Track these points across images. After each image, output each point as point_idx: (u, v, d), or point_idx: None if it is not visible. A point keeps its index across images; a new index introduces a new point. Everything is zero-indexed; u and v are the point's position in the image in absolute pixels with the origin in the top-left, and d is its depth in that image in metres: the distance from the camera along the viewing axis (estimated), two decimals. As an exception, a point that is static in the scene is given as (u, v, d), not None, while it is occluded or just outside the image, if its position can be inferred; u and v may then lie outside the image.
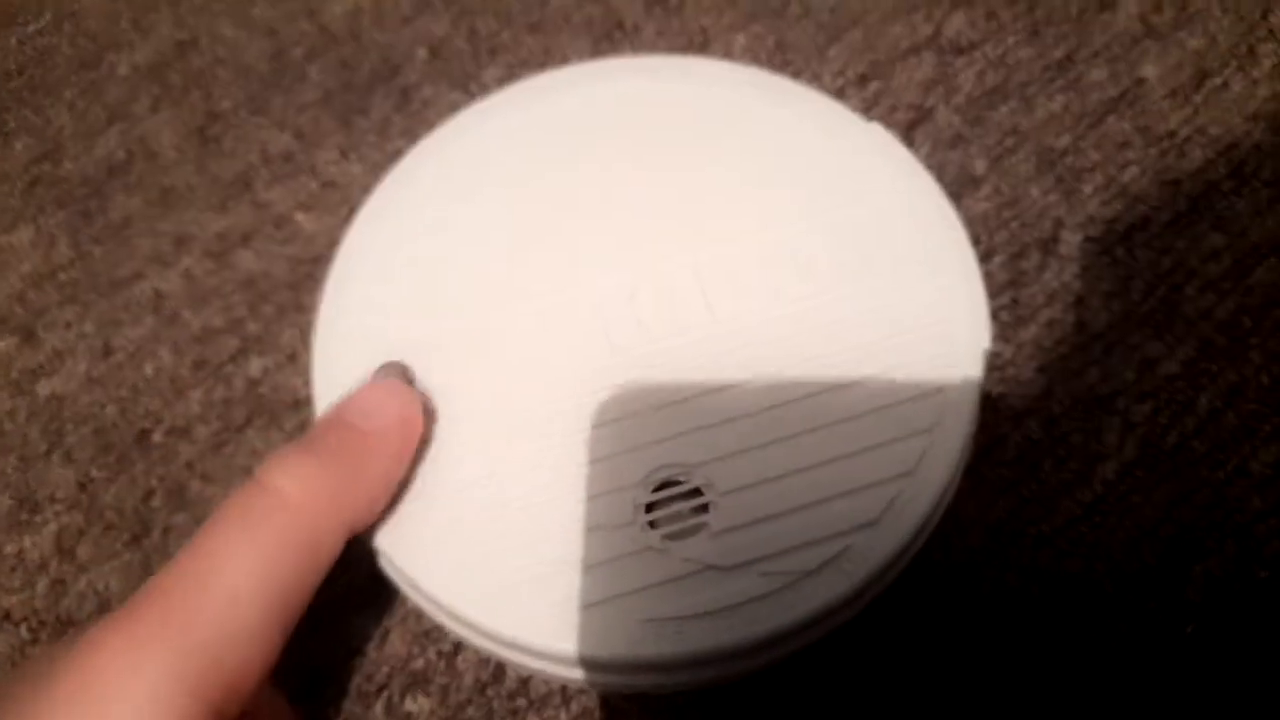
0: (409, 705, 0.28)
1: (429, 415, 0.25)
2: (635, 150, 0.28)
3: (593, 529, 0.24)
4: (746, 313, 0.26)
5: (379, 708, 0.29)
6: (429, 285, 0.27)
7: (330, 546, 0.21)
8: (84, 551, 0.31)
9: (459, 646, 0.29)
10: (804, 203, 0.27)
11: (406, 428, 0.24)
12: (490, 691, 0.28)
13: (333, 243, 0.28)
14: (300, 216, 0.36)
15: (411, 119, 0.37)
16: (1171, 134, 0.35)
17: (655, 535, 0.24)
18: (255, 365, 0.33)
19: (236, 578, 0.19)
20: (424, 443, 0.25)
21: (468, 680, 0.29)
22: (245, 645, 0.19)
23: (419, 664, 0.29)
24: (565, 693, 0.28)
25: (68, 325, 0.34)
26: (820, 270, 0.27)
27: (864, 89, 0.37)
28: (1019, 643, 0.28)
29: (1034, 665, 0.28)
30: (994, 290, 0.33)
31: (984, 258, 0.33)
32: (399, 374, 0.25)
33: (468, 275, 0.27)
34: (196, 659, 0.18)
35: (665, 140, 0.29)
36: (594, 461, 0.25)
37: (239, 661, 0.19)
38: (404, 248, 0.28)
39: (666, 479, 0.25)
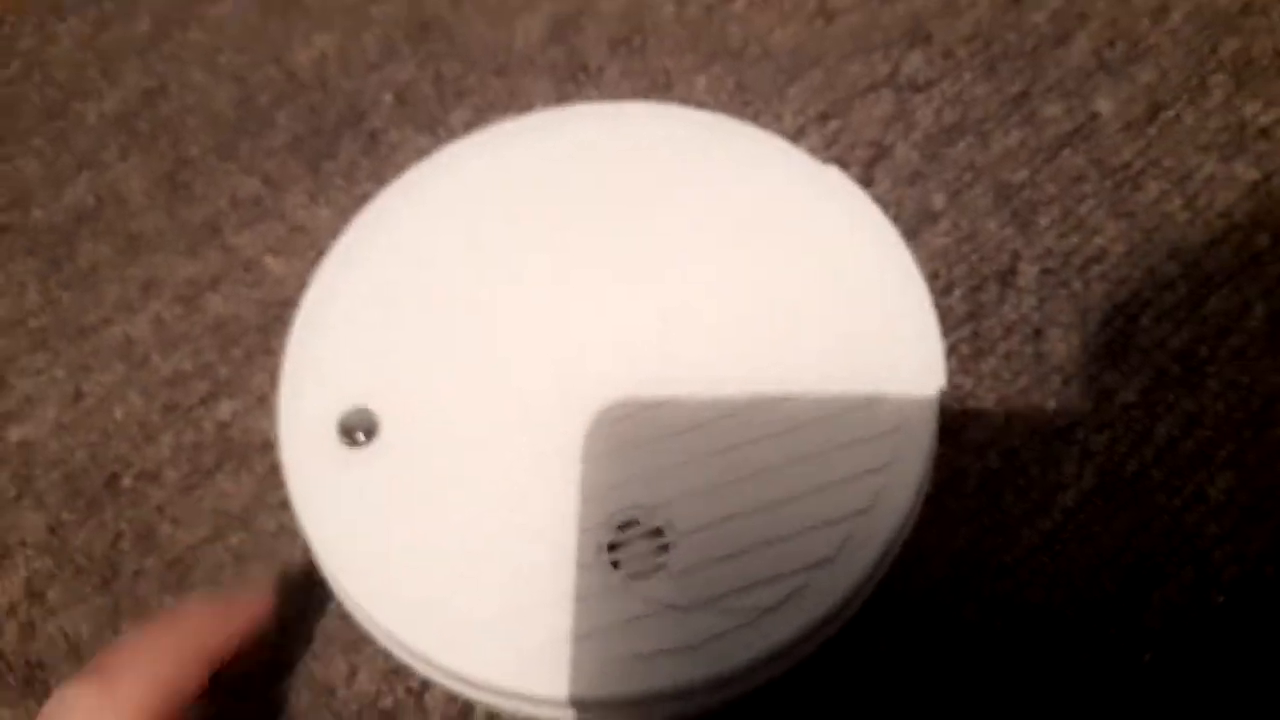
0: (377, 746, 0.29)
1: None
2: (597, 195, 0.29)
3: (556, 570, 0.24)
4: (705, 355, 0.27)
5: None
6: (394, 329, 0.27)
7: None
8: (54, 595, 0.31)
9: (427, 684, 0.29)
10: (762, 246, 0.28)
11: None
12: (458, 731, 0.29)
13: (301, 286, 0.28)
14: (269, 260, 0.36)
15: (379, 163, 0.37)
16: (1126, 166, 0.36)
17: (618, 575, 0.24)
18: (225, 408, 0.34)
19: None
20: (388, 480, 0.25)
21: (436, 718, 0.29)
22: None
23: (388, 702, 0.29)
24: (532, 731, 0.28)
25: (38, 371, 0.35)
26: (778, 313, 0.27)
27: (824, 127, 0.37)
28: (982, 673, 0.29)
29: (997, 695, 0.28)
30: (954, 323, 0.33)
31: (943, 291, 0.34)
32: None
33: (432, 320, 0.27)
34: None
35: (627, 185, 0.29)
36: (556, 503, 0.25)
37: None
38: (370, 292, 0.28)
39: (628, 520, 0.25)
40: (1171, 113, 0.36)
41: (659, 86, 0.39)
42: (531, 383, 0.27)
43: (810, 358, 0.26)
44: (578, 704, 0.23)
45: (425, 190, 0.30)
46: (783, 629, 0.24)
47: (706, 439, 0.26)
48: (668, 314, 0.27)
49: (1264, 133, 0.36)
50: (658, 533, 0.25)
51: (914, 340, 0.27)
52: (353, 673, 0.30)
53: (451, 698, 0.29)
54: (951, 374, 0.33)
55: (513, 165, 0.30)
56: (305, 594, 0.31)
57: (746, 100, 0.38)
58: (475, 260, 0.28)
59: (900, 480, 0.25)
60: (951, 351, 0.33)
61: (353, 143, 0.38)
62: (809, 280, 0.27)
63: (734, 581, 0.24)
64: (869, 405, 0.26)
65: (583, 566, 0.24)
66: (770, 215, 0.29)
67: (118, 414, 0.34)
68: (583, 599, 0.24)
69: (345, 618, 0.25)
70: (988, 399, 0.32)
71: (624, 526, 0.25)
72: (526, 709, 0.24)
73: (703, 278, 0.28)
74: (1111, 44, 0.38)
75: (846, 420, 0.26)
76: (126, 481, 0.33)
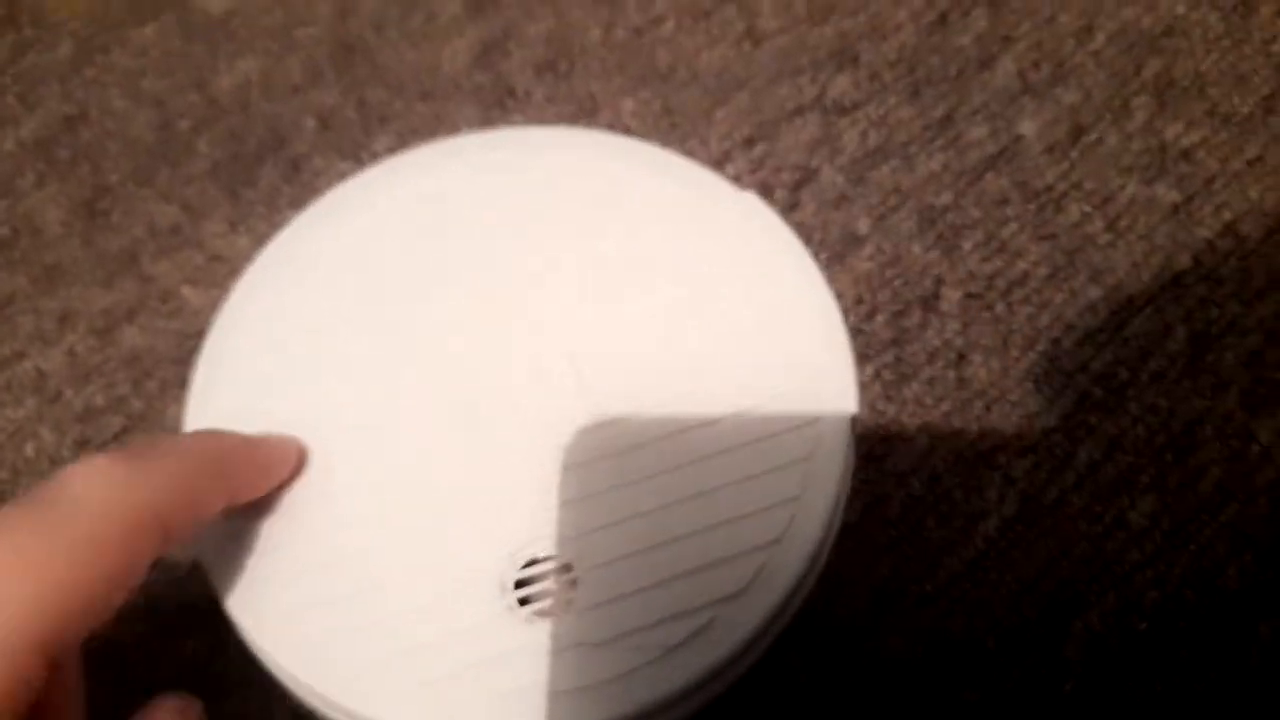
0: (287, 792, 0.28)
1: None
2: (513, 222, 0.29)
3: (460, 606, 0.24)
4: (616, 387, 0.26)
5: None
6: (301, 359, 0.27)
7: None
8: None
9: (340, 728, 0.29)
10: (677, 273, 0.28)
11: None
12: (370, 774, 0.28)
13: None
14: (186, 290, 0.35)
15: (301, 189, 0.37)
16: (1049, 189, 0.36)
17: (524, 612, 0.24)
18: (139, 443, 0.33)
19: None
20: (290, 517, 0.25)
21: (348, 763, 0.28)
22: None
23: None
24: (446, 773, 0.28)
25: (-54, 407, 0.34)
26: (692, 341, 0.27)
27: (751, 150, 0.37)
28: (903, 704, 0.29)
29: (918, 726, 0.28)
30: (877, 348, 0.33)
31: (867, 316, 0.34)
32: None
33: (341, 350, 0.27)
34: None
35: (544, 212, 0.29)
36: (460, 539, 0.25)
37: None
38: (278, 321, 0.28)
39: (535, 556, 0.25)
40: (1094, 135, 0.37)
41: (586, 111, 0.38)
42: (439, 415, 0.26)
43: (723, 386, 0.26)
44: (484, 744, 0.23)
45: (341, 214, 0.29)
46: (691, 666, 0.23)
47: (616, 471, 0.25)
48: (580, 343, 0.27)
49: (1185, 155, 0.36)
50: (566, 569, 0.24)
51: (827, 367, 0.26)
52: (270, 716, 0.29)
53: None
54: (874, 400, 0.33)
55: (427, 192, 0.29)
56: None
57: (674, 123, 0.38)
58: (386, 287, 0.28)
59: (812, 509, 0.25)
60: (875, 378, 0.33)
61: (274, 169, 0.37)
62: (722, 307, 0.27)
63: (643, 618, 0.24)
64: (781, 434, 0.25)
65: (487, 603, 0.24)
66: (686, 242, 0.28)
67: (28, 450, 0.33)
68: (487, 636, 0.24)
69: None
70: (911, 425, 0.32)
71: (530, 563, 0.25)
72: (437, 750, 0.23)
73: (618, 306, 0.27)
74: (1036, 66, 0.38)
75: (758, 449, 0.25)
76: (38, 519, 0.32)
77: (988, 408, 0.32)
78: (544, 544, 0.25)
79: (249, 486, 0.24)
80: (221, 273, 0.35)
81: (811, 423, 0.26)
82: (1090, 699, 0.28)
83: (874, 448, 0.32)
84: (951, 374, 0.33)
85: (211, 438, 0.24)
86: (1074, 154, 0.36)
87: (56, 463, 0.33)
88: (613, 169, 0.30)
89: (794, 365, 0.26)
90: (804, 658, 0.29)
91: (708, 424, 0.26)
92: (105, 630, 0.29)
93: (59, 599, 0.18)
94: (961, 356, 0.33)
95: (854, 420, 0.26)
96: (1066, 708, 0.28)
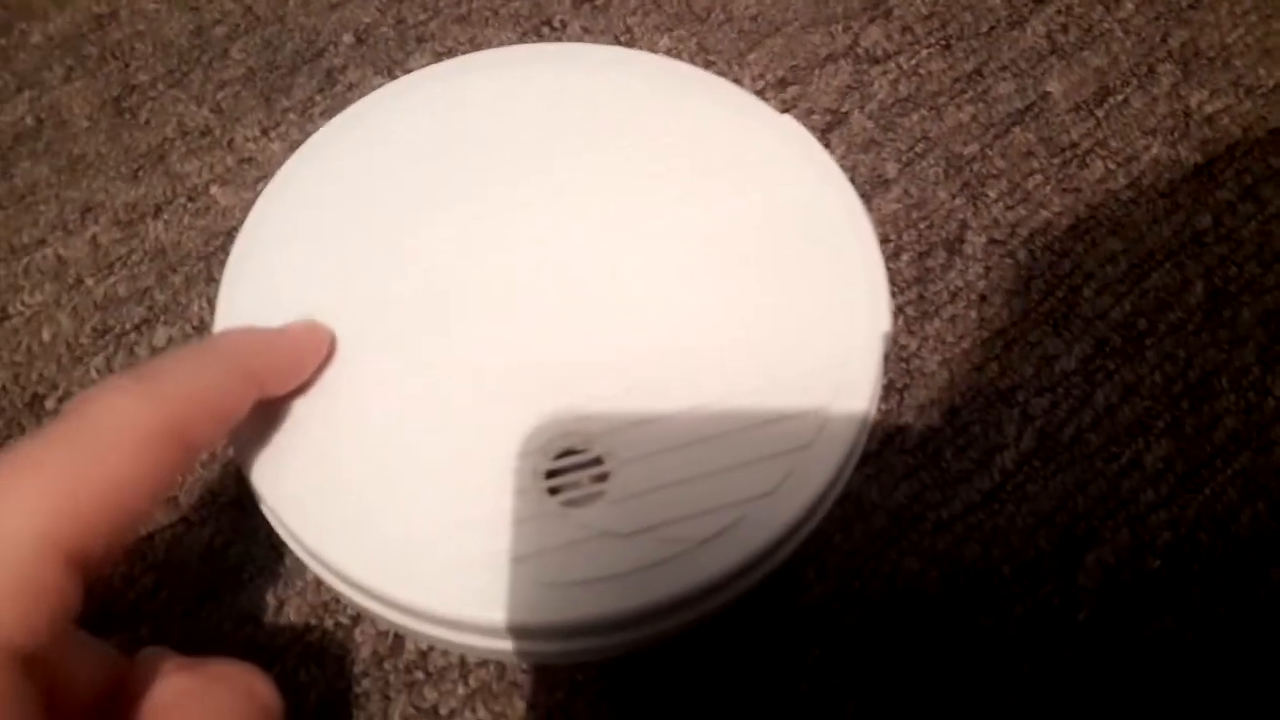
0: (302, 676, 0.28)
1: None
2: (550, 133, 0.29)
3: (492, 494, 0.24)
4: (654, 288, 0.26)
5: (272, 679, 0.28)
6: (336, 253, 0.27)
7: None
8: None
9: (357, 619, 0.28)
10: (714, 187, 0.28)
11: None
12: (388, 664, 0.28)
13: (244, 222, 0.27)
14: (215, 190, 0.35)
15: (335, 100, 0.37)
16: (1074, 145, 0.36)
17: (554, 502, 0.24)
18: (161, 334, 0.33)
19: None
20: (322, 402, 0.24)
21: (365, 653, 0.28)
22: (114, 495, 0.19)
23: (315, 635, 0.28)
24: (464, 666, 0.28)
25: (-38, 288, 0.34)
26: (727, 251, 0.27)
27: (783, 92, 0.37)
28: (917, 625, 0.29)
29: (931, 649, 0.28)
30: (901, 286, 0.34)
31: (892, 256, 0.34)
32: None
33: (375, 245, 0.27)
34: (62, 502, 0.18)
35: (580, 125, 0.29)
36: (495, 428, 0.25)
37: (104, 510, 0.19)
38: (313, 216, 0.27)
39: (567, 447, 0.25)
40: (1120, 97, 0.37)
41: (621, 44, 0.38)
42: (473, 308, 0.26)
43: (758, 295, 0.26)
44: (510, 630, 0.23)
45: (375, 120, 0.29)
46: (719, 560, 0.23)
47: (651, 370, 0.25)
48: (617, 249, 0.27)
49: (1209, 120, 0.37)
50: (597, 461, 0.24)
51: (861, 282, 0.27)
52: (281, 606, 0.29)
53: (381, 633, 0.28)
54: (897, 335, 0.33)
55: (465, 100, 0.29)
56: (232, 520, 0.30)
57: (709, 61, 0.38)
58: (421, 191, 0.28)
59: (844, 416, 0.25)
60: (898, 313, 0.33)
61: (309, 79, 0.37)
62: (759, 221, 0.27)
63: (673, 511, 0.24)
64: (815, 343, 0.26)
65: (519, 492, 0.24)
66: (724, 158, 0.28)
67: (45, 335, 0.33)
68: (518, 523, 0.23)
69: (275, 546, 0.24)
70: (931, 360, 0.33)
71: (562, 455, 0.25)
72: (454, 637, 0.23)
73: (653, 216, 0.27)
74: (1065, 29, 0.39)
75: (792, 356, 0.25)
76: (50, 404, 0.32)
77: (1007, 347, 0.33)
78: (577, 437, 0.25)
79: (280, 379, 0.24)
80: (252, 175, 0.35)
81: (845, 334, 0.26)
82: (1103, 629, 0.29)
83: (894, 379, 0.32)
84: (973, 314, 0.33)
85: (236, 338, 0.24)
86: (1099, 114, 0.37)
87: (73, 349, 0.32)
88: (653, 85, 0.30)
89: (829, 279, 0.27)
90: (820, 575, 0.29)
91: (742, 329, 0.26)
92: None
93: (73, 507, 0.18)
94: (983, 298, 0.33)
95: (887, 336, 0.26)
96: (1079, 636, 0.28)
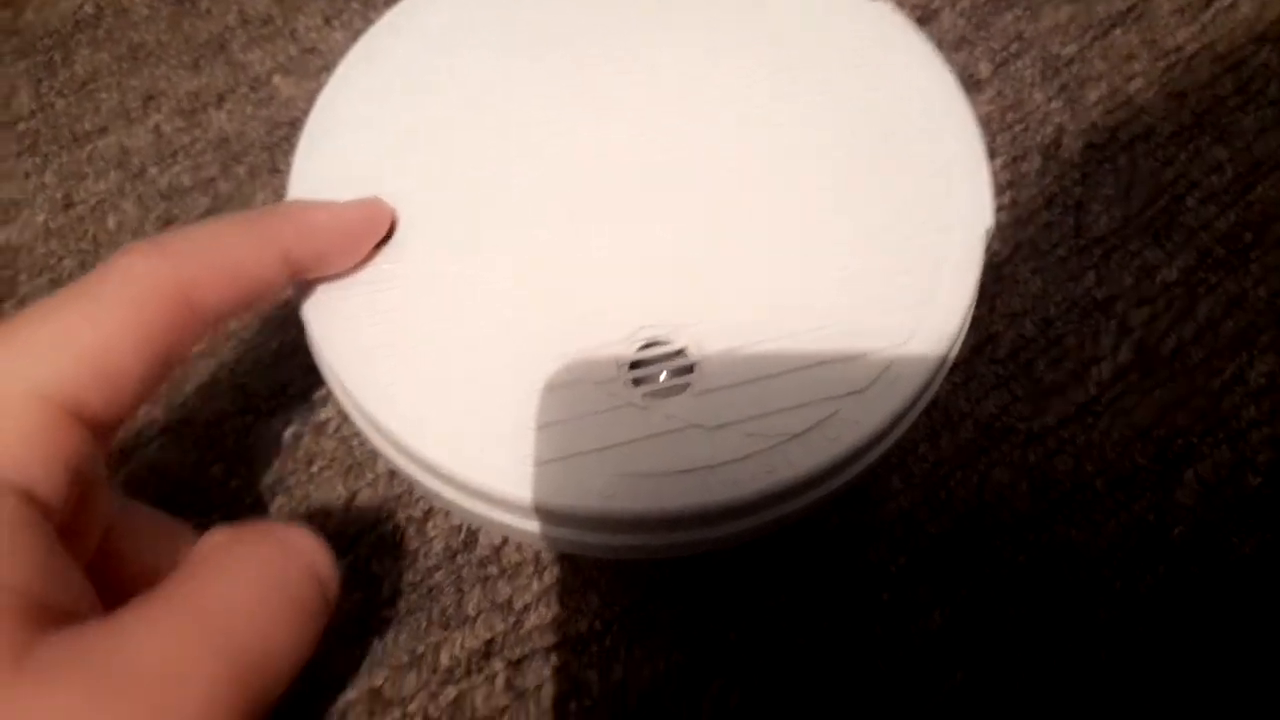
0: (375, 568, 0.27)
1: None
2: (632, 19, 0.27)
3: (574, 383, 0.23)
4: (746, 175, 0.25)
5: (344, 570, 0.27)
6: (407, 137, 0.26)
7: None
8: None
9: (429, 513, 0.28)
10: (810, 73, 0.26)
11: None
12: (460, 559, 0.27)
13: (311, 107, 0.26)
14: (278, 79, 0.34)
15: (400, -9, 0.35)
16: (1178, 49, 0.34)
17: (637, 393, 0.23)
18: (224, 226, 0.32)
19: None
20: (401, 289, 0.24)
21: (438, 547, 0.27)
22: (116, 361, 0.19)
23: (387, 528, 0.28)
24: (539, 562, 0.27)
25: (26, 176, 0.33)
26: (823, 139, 0.26)
27: (869, -12, 0.36)
28: (1005, 538, 0.28)
29: (1018, 562, 0.27)
30: (994, 191, 0.32)
31: (985, 158, 0.33)
32: None
33: (448, 130, 0.26)
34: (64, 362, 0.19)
35: (666, 11, 0.28)
36: (579, 317, 0.23)
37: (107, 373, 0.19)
38: (386, 100, 0.26)
39: (652, 339, 0.23)
40: (1228, 1, 0.35)
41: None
42: (558, 190, 0.25)
43: (855, 187, 0.25)
44: (587, 521, 0.22)
45: (443, 5, 0.28)
46: (808, 458, 0.22)
47: (741, 260, 0.24)
48: (705, 138, 0.26)
49: (1323, 25, 0.34)
50: (681, 354, 0.23)
51: (963, 178, 0.25)
52: (352, 497, 0.28)
53: (454, 528, 0.28)
54: (991, 238, 0.31)
55: None
56: (302, 415, 0.29)
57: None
58: (495, 73, 0.27)
59: (942, 316, 0.24)
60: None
61: (373, -33, 0.36)
62: (856, 109, 0.26)
63: (760, 406, 0.23)
64: (914, 238, 0.24)
65: (602, 382, 0.23)
66: (819, 45, 0.27)
67: (110, 223, 0.32)
68: (600, 413, 0.22)
69: (345, 439, 0.23)
70: (1025, 268, 0.31)
71: (647, 345, 0.23)
72: (533, 526, 0.22)
73: (745, 100, 0.26)
74: (1170, -73, 0.37)
75: (891, 251, 0.24)
76: (115, 294, 0.31)
77: (1106, 256, 0.31)
78: (663, 329, 0.23)
79: (320, 254, 0.23)
80: (315, 64, 0.34)
81: (946, 230, 0.25)
82: (1198, 547, 0.27)
83: (985, 286, 0.31)
84: (1070, 220, 0.32)
85: (270, 209, 0.23)
86: (1205, 17, 0.35)
87: (139, 236, 0.32)
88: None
89: (931, 171, 0.25)
90: (906, 484, 0.28)
91: (840, 220, 0.24)
92: (199, 405, 0.28)
93: (57, 358, 0.18)
94: (1080, 205, 0.32)
95: (989, 233, 0.25)
96: (1174, 553, 0.27)
